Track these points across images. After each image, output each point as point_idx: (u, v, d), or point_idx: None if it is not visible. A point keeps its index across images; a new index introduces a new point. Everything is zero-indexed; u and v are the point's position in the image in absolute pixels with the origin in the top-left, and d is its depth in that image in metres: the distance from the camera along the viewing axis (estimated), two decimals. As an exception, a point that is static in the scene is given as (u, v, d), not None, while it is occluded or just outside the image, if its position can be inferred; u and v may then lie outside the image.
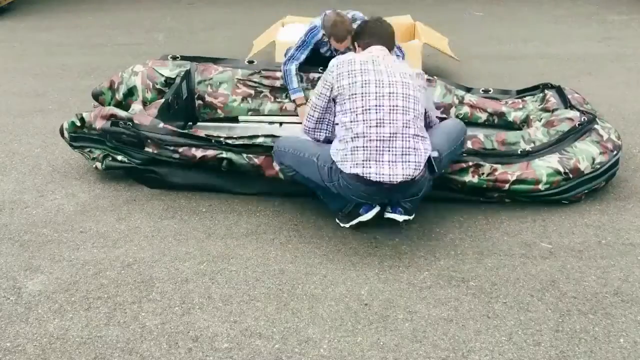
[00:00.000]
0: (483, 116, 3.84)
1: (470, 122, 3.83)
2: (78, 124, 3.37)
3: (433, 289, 2.56)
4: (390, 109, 2.67)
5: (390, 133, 2.65)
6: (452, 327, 2.33)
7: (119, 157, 3.32)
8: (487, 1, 8.11)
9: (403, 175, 2.62)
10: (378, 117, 2.66)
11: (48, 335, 2.30)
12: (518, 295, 2.52)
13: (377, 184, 2.64)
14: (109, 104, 3.92)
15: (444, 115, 3.80)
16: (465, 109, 3.85)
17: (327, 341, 2.27)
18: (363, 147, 2.64)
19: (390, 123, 2.66)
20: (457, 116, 3.84)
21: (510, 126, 3.76)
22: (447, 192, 3.17)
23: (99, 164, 3.35)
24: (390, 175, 2.62)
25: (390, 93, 2.69)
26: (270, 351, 2.22)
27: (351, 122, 2.69)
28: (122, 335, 2.30)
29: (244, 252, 2.81)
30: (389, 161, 2.63)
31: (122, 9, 8.04)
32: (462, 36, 6.42)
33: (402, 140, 2.65)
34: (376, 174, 2.62)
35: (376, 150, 2.64)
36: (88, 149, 3.41)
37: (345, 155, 2.67)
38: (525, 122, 3.67)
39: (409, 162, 2.63)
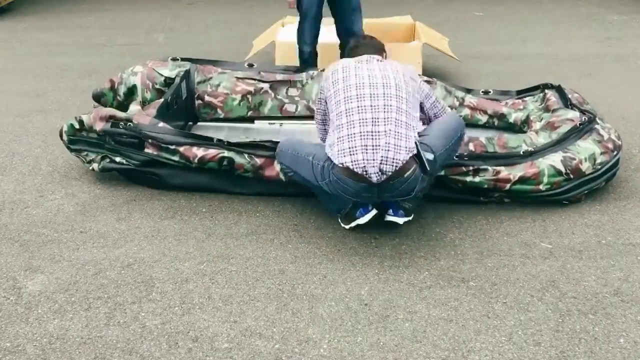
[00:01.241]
0: (483, 118, 3.84)
1: (470, 123, 3.83)
2: (77, 126, 3.37)
3: (433, 289, 2.56)
4: (370, 96, 2.73)
5: (372, 118, 2.68)
6: (452, 327, 2.34)
7: (117, 159, 3.32)
8: (487, 1, 8.11)
9: (382, 157, 2.62)
10: (359, 104, 2.71)
11: (48, 335, 2.30)
12: (518, 295, 2.52)
13: (365, 180, 2.65)
14: (111, 105, 3.92)
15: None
16: (466, 111, 3.85)
17: (327, 341, 2.27)
18: (348, 135, 2.68)
19: (371, 108, 2.70)
20: None
21: (511, 127, 3.75)
22: (447, 191, 3.17)
23: (95, 165, 3.35)
24: (374, 160, 2.63)
25: (370, 84, 2.76)
26: (270, 351, 2.22)
27: (337, 115, 2.76)
28: (122, 335, 2.30)
29: (244, 252, 2.81)
30: (372, 146, 2.65)
31: (122, 9, 8.04)
32: (462, 36, 6.42)
33: (384, 124, 2.67)
34: (363, 160, 2.63)
35: (360, 136, 2.66)
36: (85, 153, 3.41)
37: (334, 146, 2.70)
38: (526, 122, 3.67)
39: (388, 144, 2.64)
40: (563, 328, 2.33)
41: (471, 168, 3.09)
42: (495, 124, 3.82)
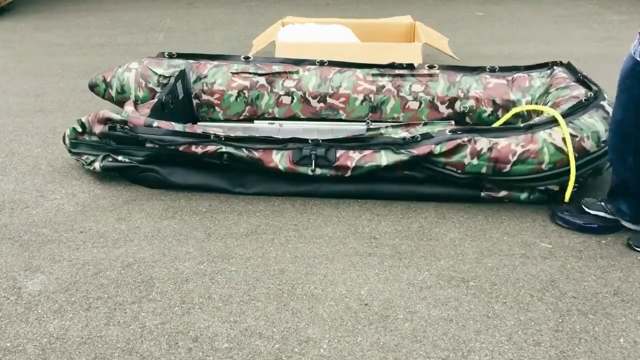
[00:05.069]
0: (488, 110, 3.79)
1: (475, 116, 3.80)
2: (79, 129, 3.41)
3: (433, 289, 2.56)
4: None
5: None
6: (452, 327, 2.34)
7: (120, 157, 3.33)
8: (487, 1, 8.11)
9: None
10: None
11: (48, 335, 2.30)
12: (518, 295, 2.52)
13: None
14: (103, 97, 4.05)
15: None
16: (471, 102, 3.80)
17: (327, 341, 2.27)
18: None
19: None
20: (462, 110, 3.80)
21: (516, 119, 3.64)
22: (446, 186, 3.14)
23: (97, 164, 3.36)
24: None
25: None
26: (270, 351, 2.22)
27: None
28: (122, 335, 2.30)
29: (244, 252, 2.81)
30: None
31: (122, 9, 8.04)
32: (462, 36, 6.42)
33: None
34: None
35: None
36: (86, 156, 3.43)
37: None
38: (533, 110, 3.57)
39: None
40: (563, 328, 2.33)
41: (465, 139, 3.01)
42: (500, 116, 3.75)
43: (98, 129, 3.32)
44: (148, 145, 3.25)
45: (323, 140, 3.14)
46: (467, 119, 3.83)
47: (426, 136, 3.08)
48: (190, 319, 2.38)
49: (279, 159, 3.15)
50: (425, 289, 2.55)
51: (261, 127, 3.92)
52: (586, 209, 3.01)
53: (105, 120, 3.31)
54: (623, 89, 2.76)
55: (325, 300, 2.49)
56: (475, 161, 3.02)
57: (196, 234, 2.95)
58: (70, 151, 3.48)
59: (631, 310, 2.43)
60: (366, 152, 3.11)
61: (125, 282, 2.60)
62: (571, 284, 2.59)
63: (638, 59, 2.62)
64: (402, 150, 3.07)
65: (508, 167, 3.01)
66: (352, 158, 3.10)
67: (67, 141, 3.47)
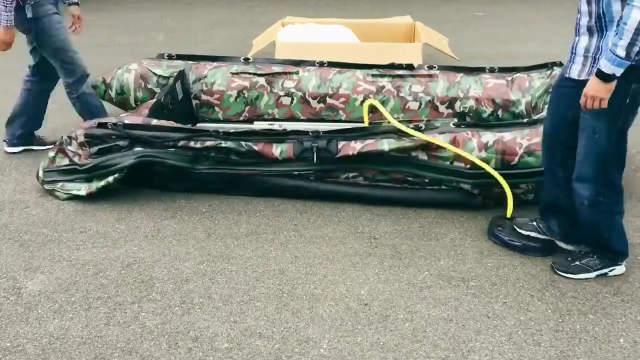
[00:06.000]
0: (488, 110, 3.79)
1: (474, 116, 3.80)
2: (52, 154, 3.32)
3: (433, 289, 2.56)
4: None
5: None
6: (452, 327, 2.34)
7: (110, 178, 3.18)
8: (487, 1, 8.11)
9: None
10: None
11: (48, 335, 2.30)
12: (518, 295, 2.52)
13: None
14: (103, 98, 4.02)
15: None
16: (471, 103, 3.81)
17: (327, 341, 2.27)
18: None
19: None
20: (462, 110, 3.80)
21: (517, 118, 3.65)
22: (449, 193, 3.13)
23: (94, 185, 3.21)
24: None
25: None
26: (270, 351, 2.22)
27: None
28: (122, 335, 2.30)
29: (244, 252, 2.81)
30: None
31: (122, 9, 8.04)
32: (462, 36, 6.42)
33: None
34: None
35: None
36: (60, 184, 3.26)
37: None
38: (535, 108, 3.56)
39: None
40: (563, 328, 2.33)
41: (470, 133, 3.01)
42: (500, 116, 3.76)
43: (80, 131, 3.22)
44: (136, 149, 3.16)
45: (324, 132, 3.13)
46: (467, 119, 3.83)
47: (430, 126, 3.09)
48: (190, 319, 2.38)
49: (279, 153, 3.14)
50: (425, 289, 2.55)
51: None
52: (518, 230, 2.87)
53: (98, 125, 3.22)
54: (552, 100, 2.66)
55: (325, 300, 2.49)
56: (483, 153, 3.00)
57: (196, 234, 2.96)
58: (44, 182, 3.30)
59: (631, 310, 2.43)
60: (368, 141, 3.09)
61: (125, 282, 2.60)
62: (571, 284, 2.59)
63: (566, 75, 2.50)
64: (405, 138, 3.06)
65: (516, 159, 2.99)
66: (354, 148, 3.09)
67: (40, 173, 3.31)
